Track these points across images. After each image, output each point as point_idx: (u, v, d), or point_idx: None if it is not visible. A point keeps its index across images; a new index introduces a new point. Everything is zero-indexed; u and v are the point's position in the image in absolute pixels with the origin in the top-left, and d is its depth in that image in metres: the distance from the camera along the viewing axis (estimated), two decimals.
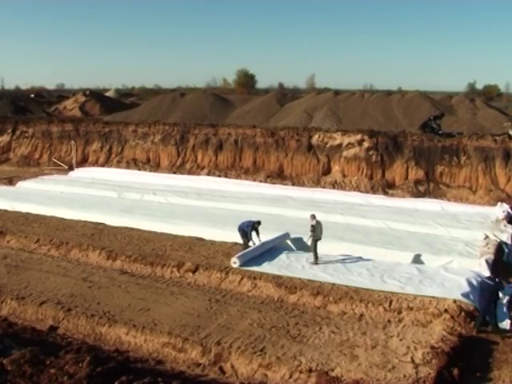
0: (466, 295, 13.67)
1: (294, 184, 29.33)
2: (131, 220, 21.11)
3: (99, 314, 13.24)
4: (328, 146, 30.65)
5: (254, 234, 17.58)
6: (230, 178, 30.53)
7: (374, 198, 25.80)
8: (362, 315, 13.28)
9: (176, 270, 16.19)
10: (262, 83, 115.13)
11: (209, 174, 31.74)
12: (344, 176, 29.50)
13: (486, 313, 12.67)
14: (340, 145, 30.40)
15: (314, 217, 16.52)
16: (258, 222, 17.64)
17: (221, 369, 11.09)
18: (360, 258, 16.89)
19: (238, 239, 18.27)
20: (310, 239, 16.38)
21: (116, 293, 14.62)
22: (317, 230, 16.28)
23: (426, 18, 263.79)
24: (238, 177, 30.76)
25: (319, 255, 16.37)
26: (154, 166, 34.20)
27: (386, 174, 28.99)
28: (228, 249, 17.85)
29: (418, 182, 27.90)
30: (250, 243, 17.50)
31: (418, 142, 29.17)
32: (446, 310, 12.97)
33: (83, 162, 36.09)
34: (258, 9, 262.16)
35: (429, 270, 15.80)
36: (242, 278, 15.31)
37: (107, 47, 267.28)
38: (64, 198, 25.14)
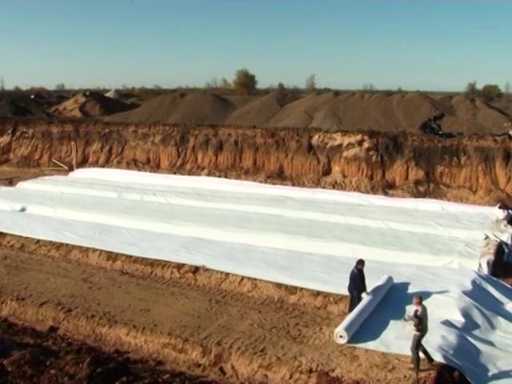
0: (466, 294, 13.69)
1: (294, 184, 29.32)
2: (131, 221, 21.13)
3: (99, 314, 13.24)
4: (328, 146, 30.65)
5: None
6: (230, 178, 30.51)
7: (374, 198, 25.79)
8: None
9: (176, 270, 16.19)
10: (262, 83, 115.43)
11: (209, 174, 31.74)
12: (344, 176, 29.49)
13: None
14: (340, 145, 30.39)
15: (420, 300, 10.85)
16: (360, 262, 13.15)
17: (221, 369, 11.10)
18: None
19: (238, 239, 18.26)
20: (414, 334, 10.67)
21: (116, 293, 14.62)
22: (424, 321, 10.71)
23: (426, 18, 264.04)
24: (238, 177, 30.75)
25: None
26: (154, 166, 34.20)
27: (386, 174, 28.98)
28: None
29: (418, 183, 27.89)
30: (363, 295, 13.05)
31: (418, 143, 29.16)
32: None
33: (83, 162, 36.07)
34: (258, 9, 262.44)
35: (429, 270, 15.79)
36: (242, 279, 15.31)
37: (107, 47, 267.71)
38: (64, 199, 25.15)
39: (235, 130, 33.82)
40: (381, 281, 14.19)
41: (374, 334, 11.88)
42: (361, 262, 13.11)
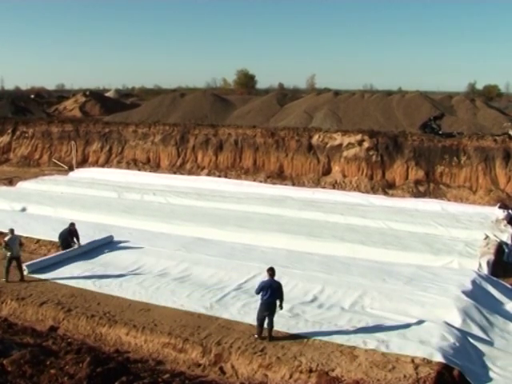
0: (466, 294, 13.69)
1: (294, 184, 29.34)
2: (131, 220, 21.12)
3: (99, 314, 13.23)
4: (328, 146, 30.67)
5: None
6: (230, 178, 30.54)
7: (374, 198, 25.81)
8: None
9: None
10: (262, 83, 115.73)
11: (209, 174, 31.78)
12: (344, 176, 29.51)
13: None
14: (340, 145, 30.42)
15: (11, 231, 15.62)
16: (71, 224, 17.35)
17: (221, 369, 11.08)
18: (360, 259, 16.87)
19: (238, 238, 18.24)
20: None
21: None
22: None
23: (426, 18, 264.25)
24: (238, 177, 30.78)
25: None
26: (154, 166, 34.23)
27: (386, 174, 29.00)
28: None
29: (418, 182, 27.91)
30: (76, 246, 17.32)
31: (418, 142, 29.18)
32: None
33: (83, 162, 36.11)
34: (258, 9, 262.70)
35: (429, 269, 15.79)
36: None
37: (107, 47, 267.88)
38: (64, 199, 25.15)
39: (235, 129, 33.83)
40: (99, 238, 18.38)
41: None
42: (72, 225, 17.26)
